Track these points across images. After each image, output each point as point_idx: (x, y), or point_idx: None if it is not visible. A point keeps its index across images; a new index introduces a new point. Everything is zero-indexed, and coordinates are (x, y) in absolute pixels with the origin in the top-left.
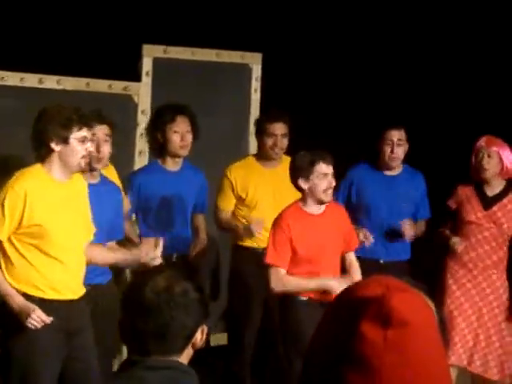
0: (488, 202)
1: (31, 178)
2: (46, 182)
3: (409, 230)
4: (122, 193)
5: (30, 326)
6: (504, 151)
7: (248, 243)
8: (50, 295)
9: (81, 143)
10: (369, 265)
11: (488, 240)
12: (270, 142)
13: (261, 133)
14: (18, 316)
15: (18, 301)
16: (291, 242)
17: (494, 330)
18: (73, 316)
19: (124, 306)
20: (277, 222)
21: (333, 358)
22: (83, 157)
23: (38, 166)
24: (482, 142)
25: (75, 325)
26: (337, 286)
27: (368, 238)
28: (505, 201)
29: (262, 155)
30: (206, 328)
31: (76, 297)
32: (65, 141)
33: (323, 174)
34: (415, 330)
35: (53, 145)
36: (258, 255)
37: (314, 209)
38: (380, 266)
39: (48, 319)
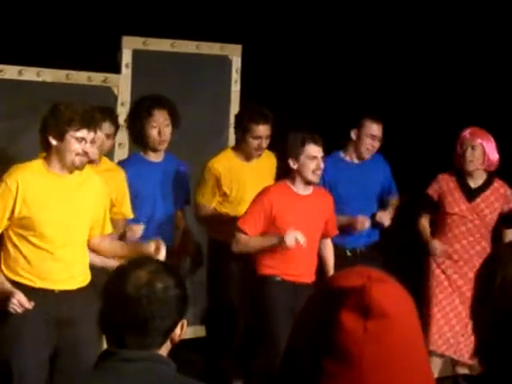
0: (471, 194)
1: (26, 171)
2: (42, 176)
3: (386, 219)
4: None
5: (11, 310)
6: (488, 143)
7: (227, 238)
8: (38, 284)
9: (77, 142)
10: (341, 253)
11: (472, 232)
12: (254, 143)
13: (244, 131)
14: (4, 302)
15: (4, 286)
16: (270, 216)
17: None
18: (64, 306)
19: (105, 297)
20: (260, 195)
21: (313, 348)
22: (78, 154)
23: (38, 160)
24: (467, 133)
25: (67, 315)
26: (290, 237)
27: (365, 223)
28: (487, 192)
29: (242, 151)
30: (185, 323)
31: (69, 288)
32: (61, 137)
33: (313, 155)
34: (395, 320)
35: (50, 139)
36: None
37: (300, 189)
38: (352, 254)
39: (28, 304)
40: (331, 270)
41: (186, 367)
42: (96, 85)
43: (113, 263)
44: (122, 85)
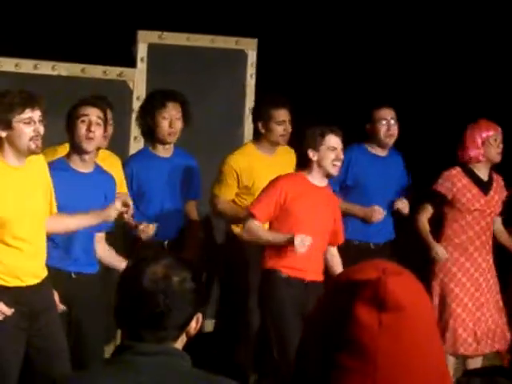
0: (485, 187)
1: None
2: (0, 169)
3: (404, 207)
4: (122, 184)
5: None
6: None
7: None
8: (12, 283)
9: (27, 125)
10: (361, 248)
11: (490, 225)
12: (280, 129)
13: (266, 119)
14: None
15: None
16: (281, 204)
17: (493, 303)
18: (36, 299)
19: (120, 291)
20: (274, 182)
21: (327, 342)
22: (31, 138)
23: None
24: (496, 128)
25: (39, 307)
26: (299, 241)
27: (380, 213)
28: (494, 184)
29: (266, 141)
30: (200, 316)
31: (38, 280)
32: (8, 125)
33: (332, 147)
34: (410, 314)
35: None
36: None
37: (316, 180)
38: (371, 249)
39: (9, 311)
40: None
41: (199, 361)
42: (111, 79)
43: (118, 264)
44: (138, 79)
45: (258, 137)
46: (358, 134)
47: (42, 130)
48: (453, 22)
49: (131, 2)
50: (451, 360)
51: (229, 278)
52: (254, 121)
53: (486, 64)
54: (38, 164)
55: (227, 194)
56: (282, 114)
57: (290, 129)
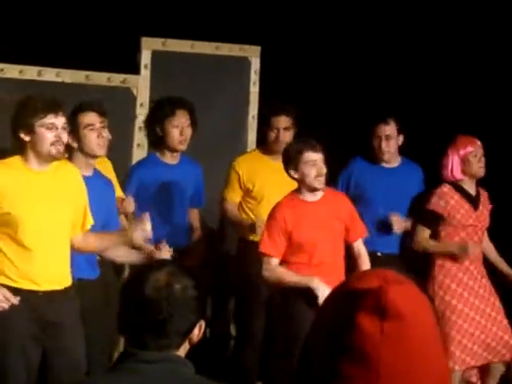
0: (474, 202)
1: (3, 167)
2: (21, 172)
3: (398, 222)
4: (117, 187)
5: None
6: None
7: (253, 237)
8: (22, 285)
9: (48, 130)
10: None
11: (481, 239)
12: (272, 135)
13: (264, 126)
14: None
15: None
16: (287, 232)
17: (495, 312)
18: (50, 308)
19: (123, 299)
20: (272, 213)
21: (330, 350)
22: (52, 143)
23: (15, 157)
24: (475, 144)
25: (53, 318)
26: (317, 284)
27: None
28: (481, 197)
29: (267, 148)
30: (203, 324)
31: (54, 288)
32: (31, 129)
33: (312, 162)
34: (412, 322)
35: (22, 135)
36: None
37: (308, 196)
38: (378, 258)
39: (14, 299)
40: None
41: (202, 367)
42: (115, 85)
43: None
44: (141, 86)
45: (265, 143)
46: (362, 141)
47: (64, 136)
48: (451, 36)
49: (135, 8)
50: (458, 375)
51: (236, 285)
52: (261, 127)
53: (482, 73)
54: (70, 175)
55: (234, 197)
56: (276, 121)
57: (283, 136)
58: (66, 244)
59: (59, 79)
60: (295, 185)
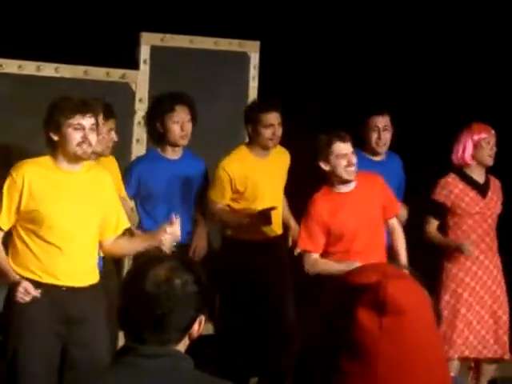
0: (483, 190)
1: (33, 165)
2: (50, 171)
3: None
4: (120, 187)
5: (19, 300)
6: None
7: (241, 235)
8: (45, 279)
9: (75, 130)
10: None
11: (492, 227)
12: (267, 132)
13: (255, 123)
14: (13, 292)
15: (12, 276)
16: (324, 226)
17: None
18: (73, 305)
19: (123, 293)
20: (307, 208)
21: (329, 345)
22: (78, 144)
23: (46, 156)
24: (489, 131)
25: (76, 314)
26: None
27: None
28: (491, 185)
29: (257, 145)
30: (203, 319)
31: (78, 284)
32: (59, 129)
33: (342, 154)
34: (410, 317)
35: (52, 135)
36: (250, 246)
37: (342, 188)
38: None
39: (35, 292)
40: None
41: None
42: (114, 81)
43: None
44: (140, 81)
45: (250, 140)
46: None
47: (92, 137)
48: (449, 29)
49: (134, 4)
50: (455, 364)
51: (227, 280)
52: (245, 124)
53: (482, 66)
54: (102, 177)
55: (222, 199)
56: (270, 118)
57: (279, 132)
58: (92, 243)
59: (58, 74)
60: (281, 179)
